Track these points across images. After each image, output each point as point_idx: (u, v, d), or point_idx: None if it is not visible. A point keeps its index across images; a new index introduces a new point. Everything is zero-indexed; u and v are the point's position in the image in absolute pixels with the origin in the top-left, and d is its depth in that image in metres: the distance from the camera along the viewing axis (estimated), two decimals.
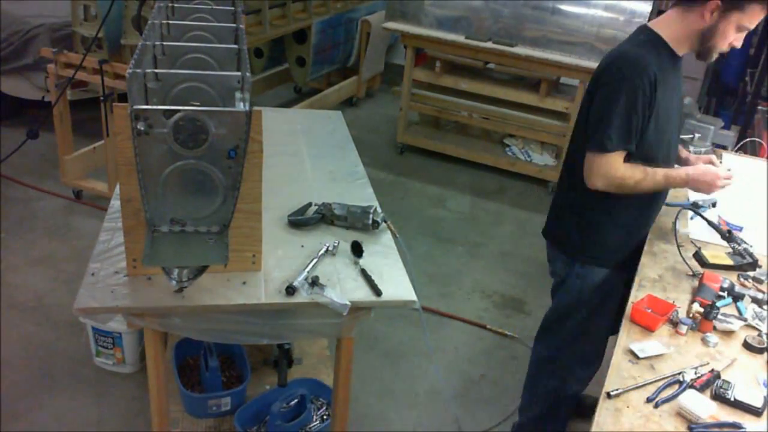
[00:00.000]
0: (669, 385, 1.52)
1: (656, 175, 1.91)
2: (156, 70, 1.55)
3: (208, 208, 1.54)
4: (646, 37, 1.92)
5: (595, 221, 2.04)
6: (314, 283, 1.72)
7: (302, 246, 1.91)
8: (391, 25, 4.57)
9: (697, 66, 5.14)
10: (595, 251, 2.08)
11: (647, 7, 3.95)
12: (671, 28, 1.90)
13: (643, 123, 1.86)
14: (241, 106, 1.48)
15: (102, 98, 3.41)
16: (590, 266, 2.09)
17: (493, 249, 3.83)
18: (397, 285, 1.81)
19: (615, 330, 2.03)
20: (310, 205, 2.06)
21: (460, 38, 4.33)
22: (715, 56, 1.90)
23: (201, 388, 2.40)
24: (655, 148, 1.94)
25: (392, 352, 2.95)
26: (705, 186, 1.95)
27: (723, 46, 1.87)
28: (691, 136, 2.75)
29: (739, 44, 1.88)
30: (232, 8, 2.12)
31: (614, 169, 1.88)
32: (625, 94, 1.83)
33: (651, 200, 2.04)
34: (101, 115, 3.44)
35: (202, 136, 1.43)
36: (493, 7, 4.29)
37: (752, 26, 1.83)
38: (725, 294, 1.83)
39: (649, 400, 1.48)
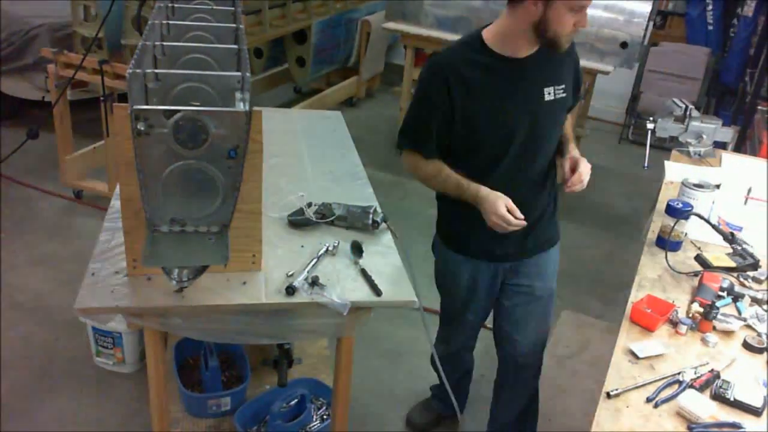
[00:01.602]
0: (669, 385, 1.52)
1: (448, 179, 1.91)
2: (156, 71, 1.55)
3: (208, 208, 1.54)
4: (465, 38, 1.89)
5: (446, 206, 2.08)
6: (314, 283, 1.73)
7: (302, 246, 1.91)
8: (391, 25, 4.57)
9: (697, 66, 5.15)
10: (450, 233, 2.12)
11: (647, 7, 3.95)
12: (494, 29, 1.82)
13: (441, 125, 1.86)
14: (241, 107, 1.48)
15: (102, 98, 3.42)
16: (448, 251, 2.12)
17: None
18: (398, 285, 1.81)
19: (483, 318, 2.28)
20: (309, 205, 2.06)
21: None
22: (566, 44, 1.77)
23: (201, 388, 2.40)
24: (484, 148, 1.89)
25: (392, 352, 2.95)
26: (486, 215, 1.85)
27: (566, 32, 1.73)
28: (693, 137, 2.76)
29: (585, 23, 1.74)
30: (232, 8, 2.12)
31: (408, 165, 1.99)
32: (416, 97, 1.90)
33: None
34: (101, 115, 3.44)
35: (202, 136, 1.43)
36: (493, 7, 4.29)
37: (587, 2, 1.70)
38: (725, 294, 1.84)
39: (648, 400, 1.48)
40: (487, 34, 1.83)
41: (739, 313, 1.78)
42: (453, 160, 1.93)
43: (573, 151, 2.02)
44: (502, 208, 1.81)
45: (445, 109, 1.82)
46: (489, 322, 3.17)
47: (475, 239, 2.03)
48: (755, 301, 1.83)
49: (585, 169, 1.95)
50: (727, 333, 1.71)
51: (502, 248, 2.03)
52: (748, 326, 1.74)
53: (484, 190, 1.85)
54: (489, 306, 2.25)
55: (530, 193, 1.98)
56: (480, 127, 1.85)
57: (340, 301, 1.68)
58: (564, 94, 1.92)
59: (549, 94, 1.88)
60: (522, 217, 1.82)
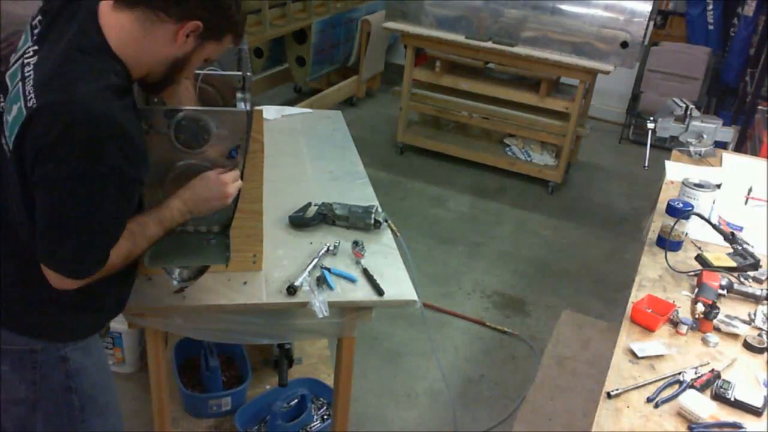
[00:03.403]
0: (669, 385, 1.52)
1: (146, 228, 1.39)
2: None
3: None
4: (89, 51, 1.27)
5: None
6: (317, 283, 1.73)
7: (303, 246, 1.91)
8: (391, 25, 4.57)
9: (698, 66, 5.15)
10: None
11: (648, 7, 3.95)
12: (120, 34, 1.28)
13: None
14: (242, 106, 1.48)
15: None
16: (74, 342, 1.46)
17: (493, 249, 3.83)
18: (399, 284, 1.81)
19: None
20: (309, 205, 2.07)
21: (460, 38, 4.33)
22: (166, 89, 1.43)
23: (201, 388, 2.40)
24: None
25: (392, 352, 2.95)
26: (215, 200, 1.46)
27: (184, 78, 1.46)
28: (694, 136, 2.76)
29: (190, 76, 1.50)
30: None
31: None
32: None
33: None
34: None
35: (203, 136, 1.43)
36: (493, 7, 4.29)
37: (214, 57, 1.42)
38: (725, 292, 1.84)
39: (649, 400, 1.48)
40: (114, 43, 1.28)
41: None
42: None
43: None
44: (221, 174, 1.46)
45: None
46: (489, 321, 3.18)
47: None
48: (753, 297, 1.83)
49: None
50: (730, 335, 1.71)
51: None
52: (753, 327, 1.74)
53: (181, 192, 1.44)
54: None
55: None
56: None
57: (318, 304, 1.68)
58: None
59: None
60: None
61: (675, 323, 1.72)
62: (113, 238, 1.30)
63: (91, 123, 1.17)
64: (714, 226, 2.02)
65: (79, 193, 1.20)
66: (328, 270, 1.81)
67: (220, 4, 1.32)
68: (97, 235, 1.27)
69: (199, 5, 1.28)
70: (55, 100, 1.17)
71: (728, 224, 2.19)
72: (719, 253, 2.00)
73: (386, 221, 2.05)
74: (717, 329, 1.71)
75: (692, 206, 2.06)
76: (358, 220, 2.02)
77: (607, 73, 4.08)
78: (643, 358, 1.60)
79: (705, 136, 2.77)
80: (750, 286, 1.89)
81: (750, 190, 2.46)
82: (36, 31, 1.33)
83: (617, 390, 1.49)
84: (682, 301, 1.82)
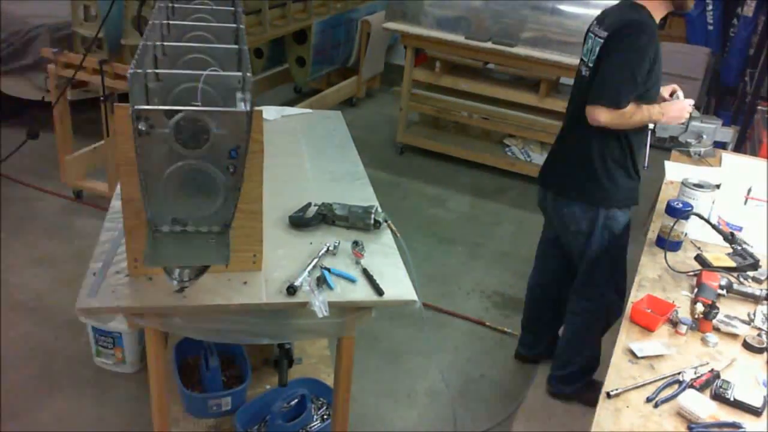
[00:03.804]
0: (669, 384, 1.53)
1: (642, 109, 2.22)
2: (157, 71, 1.55)
3: (209, 208, 1.54)
4: (637, 9, 2.22)
5: (614, 167, 2.30)
6: (318, 283, 1.73)
7: (303, 246, 1.92)
8: (391, 25, 4.57)
9: (698, 66, 5.15)
10: (619, 195, 2.33)
11: None
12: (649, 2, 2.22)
13: (647, 74, 2.20)
14: (242, 106, 1.48)
15: (102, 98, 3.41)
16: (614, 210, 2.34)
17: (493, 249, 3.83)
18: (398, 284, 1.81)
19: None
20: (309, 205, 2.07)
21: (460, 38, 4.33)
22: (691, 4, 2.25)
23: (201, 387, 2.40)
24: (652, 90, 2.28)
25: (392, 352, 2.95)
26: (677, 114, 2.33)
27: None
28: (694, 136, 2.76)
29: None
30: (232, 8, 2.12)
31: (610, 119, 2.19)
32: (635, 57, 2.16)
33: (638, 141, 2.34)
34: (101, 115, 3.44)
35: (203, 136, 1.43)
36: (493, 7, 4.29)
37: None
38: (724, 292, 1.84)
39: (648, 400, 1.48)
40: (649, 6, 2.20)
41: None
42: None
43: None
44: (684, 101, 2.38)
45: (654, 60, 2.19)
46: (489, 321, 3.18)
47: (635, 189, 2.40)
48: (752, 297, 1.83)
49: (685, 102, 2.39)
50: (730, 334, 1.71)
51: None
52: (753, 327, 1.74)
53: (662, 104, 2.32)
54: None
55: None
56: (657, 70, 2.23)
57: (318, 304, 1.68)
58: None
59: None
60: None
61: (674, 323, 1.72)
62: (634, 84, 2.17)
63: (641, 26, 2.17)
64: (713, 227, 2.03)
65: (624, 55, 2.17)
66: (328, 270, 1.81)
67: None
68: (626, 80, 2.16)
69: None
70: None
71: (728, 224, 2.19)
72: (719, 253, 2.00)
73: (386, 221, 2.05)
74: (716, 329, 1.72)
75: (692, 206, 2.06)
76: (358, 220, 2.02)
77: None
78: (642, 358, 1.61)
79: (705, 136, 2.77)
80: (749, 286, 1.89)
81: (749, 190, 2.46)
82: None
83: (617, 390, 1.49)
84: (681, 301, 1.83)
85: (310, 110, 3.03)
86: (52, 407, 2.49)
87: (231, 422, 2.27)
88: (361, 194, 2.24)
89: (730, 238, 2.00)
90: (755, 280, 1.93)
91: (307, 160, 2.48)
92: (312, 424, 2.29)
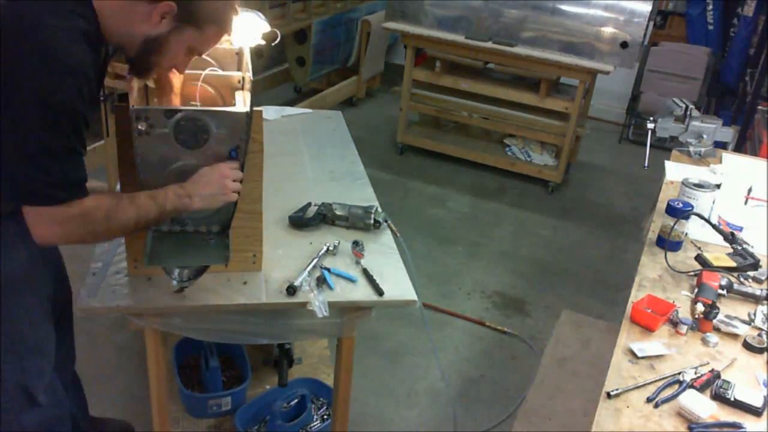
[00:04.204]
0: (669, 385, 1.52)
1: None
2: None
3: (209, 208, 1.54)
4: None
5: None
6: (318, 283, 1.73)
7: (303, 246, 1.91)
8: (391, 25, 4.57)
9: (698, 66, 5.15)
10: None
11: (647, 7, 3.95)
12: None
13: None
14: (242, 106, 1.48)
15: (102, 98, 3.41)
16: None
17: (493, 249, 3.83)
18: (398, 284, 1.81)
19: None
20: (309, 205, 2.07)
21: (460, 38, 4.33)
22: (152, 74, 1.48)
23: (201, 388, 2.40)
24: None
25: (392, 352, 2.95)
26: (214, 190, 1.48)
27: (165, 66, 1.46)
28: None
29: (182, 70, 1.51)
30: None
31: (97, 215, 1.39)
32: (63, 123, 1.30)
33: None
34: (101, 115, 3.43)
35: (203, 136, 1.43)
36: (493, 7, 4.29)
37: (204, 51, 1.46)
38: (725, 292, 1.84)
39: (649, 400, 1.48)
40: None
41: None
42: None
43: None
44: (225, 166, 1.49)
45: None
46: (489, 321, 3.18)
47: None
48: (752, 296, 1.83)
49: None
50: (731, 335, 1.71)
51: None
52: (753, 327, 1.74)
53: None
54: None
55: None
56: None
57: (318, 304, 1.68)
58: None
59: None
60: None
61: (675, 323, 1.72)
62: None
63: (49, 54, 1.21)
64: (714, 226, 2.02)
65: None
66: (328, 270, 1.81)
67: None
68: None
69: None
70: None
71: (728, 224, 2.19)
72: (719, 253, 2.00)
73: (386, 221, 2.05)
74: (717, 329, 1.71)
75: (692, 206, 2.06)
76: (358, 220, 2.02)
77: (607, 73, 4.08)
78: (643, 358, 1.60)
79: (705, 136, 2.77)
80: (750, 286, 1.89)
81: (750, 190, 2.46)
82: None
83: (617, 390, 1.49)
84: (682, 301, 1.82)
85: (310, 110, 3.03)
86: None
87: (231, 422, 2.27)
88: (361, 194, 2.24)
89: (730, 238, 2.00)
90: (755, 280, 1.93)
91: (307, 160, 2.48)
92: (312, 424, 2.29)
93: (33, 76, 1.21)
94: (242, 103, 1.50)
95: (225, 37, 1.54)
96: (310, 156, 2.51)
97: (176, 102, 1.60)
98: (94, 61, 1.31)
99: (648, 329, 1.70)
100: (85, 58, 1.26)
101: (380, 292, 1.75)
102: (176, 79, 1.62)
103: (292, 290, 1.70)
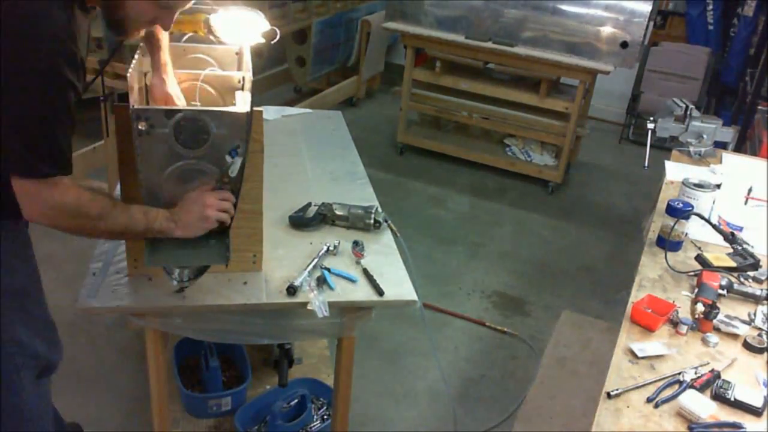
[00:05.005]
0: (669, 385, 1.52)
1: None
2: None
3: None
4: None
5: None
6: (318, 283, 1.73)
7: (303, 246, 1.91)
8: (391, 25, 4.57)
9: (698, 66, 5.15)
10: None
11: (647, 7, 3.95)
12: None
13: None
14: (242, 106, 1.48)
15: (102, 98, 3.41)
16: None
17: (493, 249, 3.83)
18: (399, 284, 1.81)
19: None
20: (309, 205, 2.06)
21: (460, 38, 4.33)
22: (131, 31, 1.41)
23: (201, 388, 2.40)
24: None
25: (392, 352, 2.95)
26: (195, 220, 1.48)
27: (134, 17, 1.38)
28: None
29: (167, 26, 1.43)
30: None
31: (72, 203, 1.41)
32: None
33: None
34: (101, 115, 3.43)
35: (203, 136, 1.43)
36: (493, 7, 4.29)
37: (181, 5, 1.40)
38: (725, 292, 1.84)
39: (649, 400, 1.48)
40: None
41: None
42: None
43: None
44: (209, 195, 1.49)
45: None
46: (489, 321, 3.18)
47: None
48: (752, 296, 1.83)
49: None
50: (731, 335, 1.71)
51: None
52: (753, 327, 1.74)
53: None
54: None
55: None
56: None
57: (318, 304, 1.68)
58: None
59: None
60: None
61: (675, 323, 1.72)
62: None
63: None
64: (714, 226, 2.02)
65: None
66: (328, 270, 1.81)
67: None
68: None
69: None
70: None
71: (728, 224, 2.19)
72: (719, 253, 2.00)
73: (386, 221, 2.05)
74: (717, 329, 1.71)
75: (692, 206, 2.06)
76: (358, 221, 2.02)
77: (607, 73, 4.08)
78: (643, 358, 1.60)
79: (705, 136, 2.77)
80: (750, 286, 1.89)
81: (750, 190, 2.46)
82: None
83: (617, 390, 1.49)
84: (682, 301, 1.82)
85: (310, 110, 3.03)
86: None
87: (231, 422, 2.27)
88: (361, 194, 2.24)
89: (730, 238, 2.00)
90: (756, 280, 1.93)
91: (307, 160, 2.48)
92: (312, 424, 2.28)
93: (14, 42, 1.18)
94: (242, 103, 1.50)
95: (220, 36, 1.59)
96: (310, 156, 2.51)
97: (165, 58, 1.64)
98: (80, 25, 1.28)
99: (648, 329, 1.70)
100: (68, 23, 1.24)
101: (380, 292, 1.75)
102: (164, 36, 1.64)
103: (292, 290, 1.70)
